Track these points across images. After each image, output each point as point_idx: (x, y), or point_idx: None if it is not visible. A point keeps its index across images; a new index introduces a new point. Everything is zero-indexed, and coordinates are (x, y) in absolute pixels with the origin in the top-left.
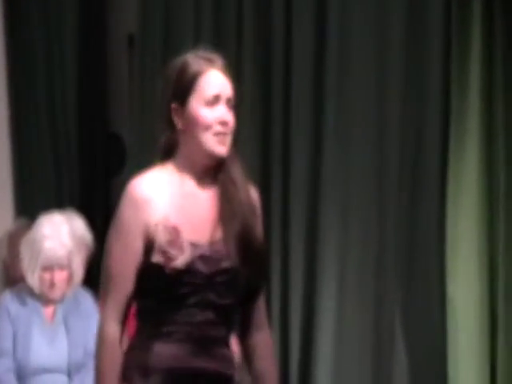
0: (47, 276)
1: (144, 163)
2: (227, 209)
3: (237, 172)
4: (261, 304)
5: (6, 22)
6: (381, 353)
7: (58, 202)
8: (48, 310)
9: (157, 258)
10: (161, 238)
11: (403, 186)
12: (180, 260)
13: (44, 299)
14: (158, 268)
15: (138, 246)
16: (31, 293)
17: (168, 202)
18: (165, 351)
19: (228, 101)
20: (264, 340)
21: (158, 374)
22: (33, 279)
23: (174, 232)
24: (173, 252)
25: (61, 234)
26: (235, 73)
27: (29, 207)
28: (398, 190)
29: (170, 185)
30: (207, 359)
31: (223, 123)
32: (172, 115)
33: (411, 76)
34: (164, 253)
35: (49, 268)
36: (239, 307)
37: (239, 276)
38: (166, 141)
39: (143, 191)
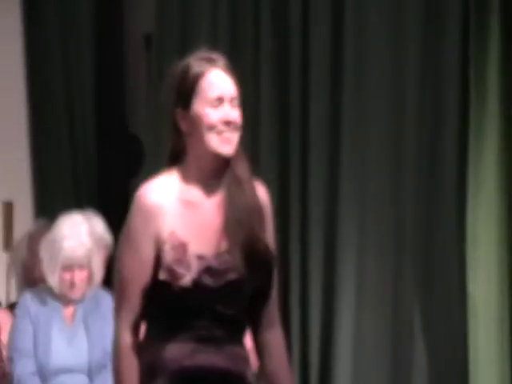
0: (67, 276)
1: (162, 164)
2: (232, 216)
3: (243, 172)
4: (272, 302)
5: (23, 24)
6: (400, 352)
7: (76, 203)
8: (68, 311)
9: (164, 276)
10: (168, 255)
11: (421, 184)
12: (187, 278)
13: (64, 299)
14: (165, 285)
15: (149, 255)
16: (51, 293)
17: (176, 212)
18: (173, 352)
19: (232, 100)
20: (275, 337)
21: (167, 374)
22: (53, 279)
23: (181, 249)
24: (179, 270)
25: (80, 233)
26: (252, 71)
27: (48, 208)
28: (416, 189)
29: (177, 192)
30: (216, 357)
31: (227, 123)
32: (177, 120)
33: (428, 71)
34: (171, 271)
35: (69, 268)
36: (249, 308)
37: (246, 287)
38: (172, 147)
39: (153, 199)
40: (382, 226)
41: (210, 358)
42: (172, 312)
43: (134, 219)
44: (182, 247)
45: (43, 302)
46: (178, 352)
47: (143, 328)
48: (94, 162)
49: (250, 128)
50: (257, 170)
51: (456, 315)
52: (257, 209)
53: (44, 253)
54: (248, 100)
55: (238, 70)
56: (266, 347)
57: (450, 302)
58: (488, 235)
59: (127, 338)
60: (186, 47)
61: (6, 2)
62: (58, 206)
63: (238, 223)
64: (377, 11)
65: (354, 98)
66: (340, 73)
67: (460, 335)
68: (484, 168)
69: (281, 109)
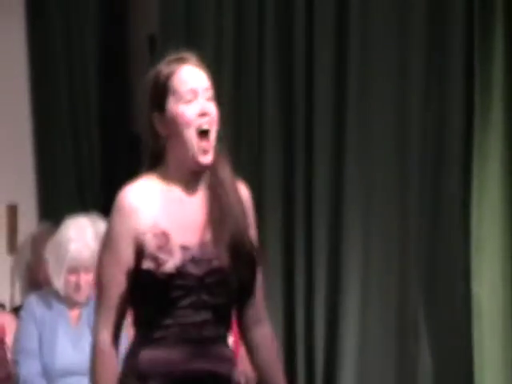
0: (73, 279)
1: None
2: (217, 211)
3: (226, 173)
4: (258, 299)
5: (26, 24)
6: (405, 352)
7: (81, 206)
8: (73, 313)
9: (147, 265)
10: (150, 244)
11: (426, 183)
12: (170, 264)
13: (69, 302)
14: (149, 274)
15: (128, 255)
16: (56, 296)
17: (157, 209)
18: (161, 356)
19: (206, 91)
20: (263, 334)
21: (155, 379)
22: (58, 282)
23: (163, 237)
24: (162, 256)
25: (86, 236)
26: (256, 72)
27: (52, 211)
28: (420, 188)
29: (158, 192)
30: (203, 360)
31: (204, 114)
32: (155, 124)
33: (432, 75)
34: (154, 258)
35: (74, 270)
36: (235, 305)
37: (230, 275)
38: (151, 151)
39: (131, 200)
40: (387, 227)
41: (197, 361)
42: (158, 309)
43: (114, 221)
44: (164, 235)
45: (48, 305)
46: (165, 357)
47: (131, 333)
48: (99, 165)
49: (255, 126)
50: (262, 168)
51: (461, 316)
52: (240, 208)
53: (49, 255)
54: (252, 99)
55: (242, 70)
56: (253, 344)
57: (455, 303)
58: (492, 236)
59: (106, 339)
60: (190, 48)
61: (10, 5)
62: (63, 209)
63: (223, 217)
64: (381, 16)
65: (358, 111)
66: (345, 75)
67: (465, 335)
68: (489, 165)
69: (285, 108)
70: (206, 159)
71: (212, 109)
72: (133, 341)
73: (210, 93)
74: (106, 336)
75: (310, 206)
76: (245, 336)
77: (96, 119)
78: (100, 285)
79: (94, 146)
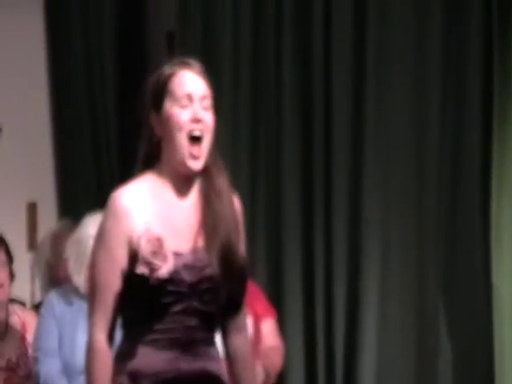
0: None
1: None
2: (210, 218)
3: (220, 181)
4: (243, 309)
5: (45, 20)
6: (425, 342)
7: (100, 203)
8: None
9: (141, 270)
10: (144, 249)
11: (445, 175)
12: (163, 269)
13: None
14: (143, 279)
15: (121, 256)
16: (76, 292)
17: (149, 212)
18: (152, 357)
19: (202, 99)
20: (242, 342)
21: (147, 379)
22: (79, 279)
23: (157, 242)
24: (156, 262)
25: None
26: (274, 66)
27: (72, 208)
28: (439, 179)
29: (151, 194)
30: (194, 359)
31: (196, 120)
32: (151, 124)
33: (451, 75)
34: (148, 264)
35: None
36: (222, 314)
37: (221, 283)
38: (146, 151)
39: (124, 202)
40: (406, 218)
41: (187, 361)
42: (148, 313)
43: (107, 222)
44: (157, 241)
45: (69, 302)
46: (156, 358)
47: (119, 336)
48: (118, 162)
49: (273, 125)
50: (280, 169)
51: (481, 307)
52: (233, 217)
53: (70, 253)
54: (270, 94)
55: (261, 65)
56: (232, 351)
57: (475, 294)
58: None
59: (101, 340)
60: (208, 44)
61: (28, 1)
62: (82, 206)
63: (216, 225)
64: (397, 23)
65: (376, 106)
66: (363, 75)
67: (485, 327)
68: (508, 156)
69: (303, 105)
70: (196, 165)
71: (206, 117)
72: (123, 342)
73: (206, 102)
74: (101, 336)
75: (329, 201)
76: (226, 343)
77: (114, 117)
78: (94, 285)
79: (113, 144)
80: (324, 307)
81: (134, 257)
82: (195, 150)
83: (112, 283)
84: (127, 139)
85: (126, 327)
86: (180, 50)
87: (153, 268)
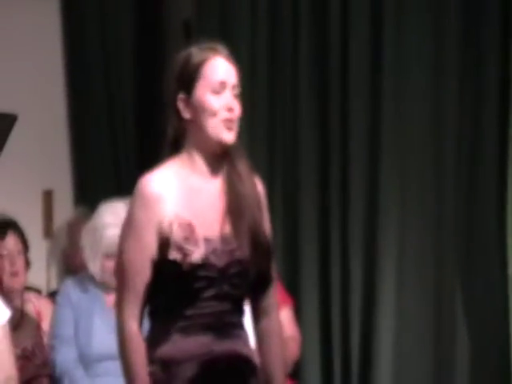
0: (109, 264)
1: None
2: (234, 203)
3: (242, 164)
4: (271, 293)
5: (61, 9)
6: (442, 336)
7: (116, 191)
8: (110, 298)
9: (173, 255)
10: (176, 234)
11: (461, 167)
12: (196, 255)
13: (105, 287)
14: (175, 265)
15: (151, 243)
16: (92, 280)
17: (178, 198)
18: (185, 343)
19: (233, 88)
20: (271, 326)
21: (181, 364)
22: (94, 267)
23: (189, 228)
24: (189, 247)
25: (122, 221)
26: (291, 54)
27: (88, 196)
28: (456, 172)
29: (179, 179)
30: (225, 343)
31: (230, 109)
32: (179, 106)
33: (468, 63)
34: (181, 249)
35: (111, 256)
36: (251, 298)
37: (250, 266)
38: (173, 133)
39: (153, 188)
40: (423, 210)
41: (219, 344)
42: (180, 299)
43: (136, 209)
44: (189, 227)
45: (84, 290)
46: (188, 343)
47: (146, 325)
48: (134, 150)
49: (290, 114)
50: (297, 176)
51: (497, 297)
52: (256, 198)
53: (85, 241)
54: (287, 82)
55: (276, 53)
56: (261, 335)
57: (492, 285)
58: None
59: (134, 328)
60: (225, 33)
61: None
62: (98, 194)
63: (241, 208)
64: (415, 19)
65: (393, 100)
66: (380, 73)
67: (502, 317)
68: None
69: (320, 95)
70: (229, 136)
71: (237, 106)
72: (151, 330)
73: (236, 90)
74: (134, 324)
75: (345, 189)
76: (255, 326)
77: (131, 105)
78: (124, 272)
79: (130, 131)
80: (340, 296)
81: (164, 243)
82: (230, 124)
83: (142, 271)
84: (144, 127)
85: (154, 315)
86: (196, 39)
87: (185, 253)
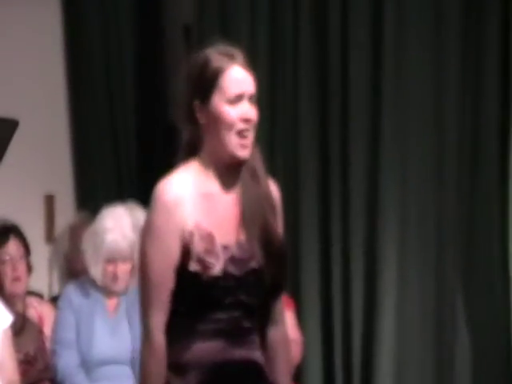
0: (110, 268)
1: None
2: (248, 209)
3: (258, 169)
4: (279, 301)
5: (63, 16)
6: (443, 333)
7: (118, 195)
8: (111, 302)
9: (194, 267)
10: (197, 246)
11: (462, 167)
12: (217, 268)
13: (107, 291)
14: (196, 276)
15: (174, 249)
16: (94, 285)
17: (196, 205)
18: (198, 349)
19: (251, 97)
20: (278, 335)
21: (194, 370)
22: (96, 272)
23: (209, 239)
24: (210, 260)
25: (123, 226)
26: (291, 61)
27: (89, 200)
28: (457, 173)
29: (195, 185)
30: (239, 349)
31: (246, 120)
32: (195, 112)
33: (469, 54)
34: (201, 261)
35: (112, 260)
36: (262, 306)
37: (265, 275)
38: (189, 138)
39: (173, 195)
40: (423, 210)
41: (232, 349)
42: (197, 306)
43: (156, 217)
44: (209, 237)
45: (86, 294)
46: (203, 349)
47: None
48: (136, 154)
49: (290, 113)
50: (297, 167)
51: (498, 299)
52: (270, 202)
53: (87, 245)
54: (287, 86)
55: (277, 60)
56: (271, 344)
57: (494, 285)
58: None
59: (160, 338)
60: (225, 37)
61: None
62: (100, 199)
63: (254, 215)
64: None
65: (393, 108)
66: (380, 66)
67: (503, 316)
68: None
69: (320, 94)
70: (244, 153)
71: (254, 114)
72: (169, 334)
73: (254, 98)
74: (160, 333)
75: (346, 197)
76: (262, 333)
77: (132, 109)
78: (149, 280)
79: (131, 135)
80: (341, 298)
81: (185, 251)
82: (243, 141)
83: (166, 279)
84: (145, 131)
85: (170, 320)
86: (196, 43)
87: (206, 266)
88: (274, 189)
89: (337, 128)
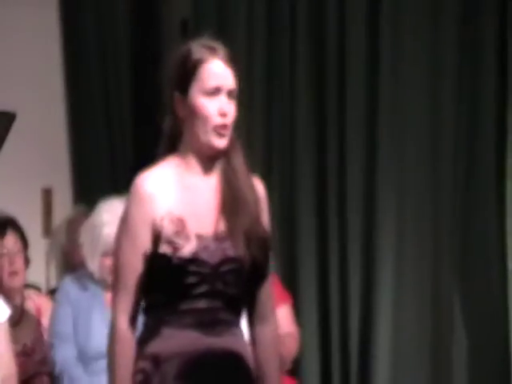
0: (108, 262)
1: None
2: (230, 200)
3: (239, 163)
4: (266, 297)
5: (60, 10)
6: (440, 329)
7: (115, 189)
8: (109, 295)
9: (164, 249)
10: (167, 229)
11: (459, 161)
12: (186, 249)
13: (104, 284)
14: (165, 258)
15: (145, 240)
16: (91, 278)
17: (173, 196)
18: (175, 338)
19: (230, 92)
20: (267, 332)
21: (170, 360)
22: (93, 265)
23: (180, 223)
24: (179, 241)
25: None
26: (288, 55)
27: (87, 194)
28: (453, 165)
29: (174, 177)
30: (216, 340)
31: (223, 114)
32: (175, 104)
33: (466, 55)
34: (171, 243)
35: (109, 254)
36: (246, 298)
37: (244, 265)
38: (169, 131)
39: (148, 187)
40: (420, 209)
41: (209, 339)
42: (172, 295)
43: (131, 207)
44: (180, 222)
45: (84, 287)
46: (178, 338)
47: (140, 322)
48: (132, 148)
49: (287, 112)
50: (294, 165)
51: (496, 293)
52: (252, 195)
53: (84, 238)
54: (284, 82)
55: (274, 55)
56: (255, 340)
57: (491, 280)
58: None
59: (124, 323)
60: (222, 33)
61: None
62: (97, 193)
63: (237, 206)
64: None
65: (390, 110)
66: (377, 67)
67: (501, 313)
68: None
69: (317, 96)
70: (221, 142)
71: (231, 110)
72: (145, 327)
73: (233, 94)
74: (124, 321)
75: (343, 188)
76: (250, 330)
77: (129, 104)
78: (118, 270)
79: (127, 130)
80: (339, 293)
81: (157, 239)
82: (221, 130)
83: (134, 266)
84: (141, 125)
85: (148, 312)
86: (194, 38)
87: (175, 247)
88: (257, 184)
89: (335, 126)
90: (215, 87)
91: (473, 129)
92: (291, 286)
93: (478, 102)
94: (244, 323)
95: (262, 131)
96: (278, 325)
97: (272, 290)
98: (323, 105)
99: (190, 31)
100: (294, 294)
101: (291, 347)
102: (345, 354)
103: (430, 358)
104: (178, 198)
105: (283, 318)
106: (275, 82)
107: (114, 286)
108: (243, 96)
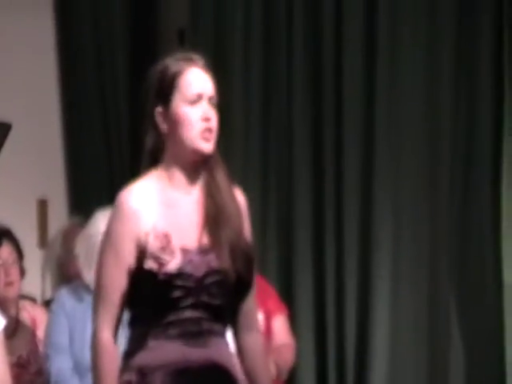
0: None
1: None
2: (213, 213)
3: (220, 175)
4: (251, 306)
5: (56, 19)
6: (437, 340)
7: (110, 200)
8: None
9: (149, 265)
10: (152, 245)
11: (456, 171)
12: (172, 264)
13: None
14: (151, 274)
15: (128, 254)
16: (87, 289)
17: (156, 211)
18: (161, 350)
19: (210, 99)
20: (253, 341)
21: (155, 372)
22: (89, 275)
23: (165, 238)
24: (165, 257)
25: None
26: (285, 65)
27: (82, 205)
28: (450, 168)
29: (158, 192)
30: (202, 351)
31: (207, 119)
32: (156, 119)
33: (463, 57)
34: (156, 258)
35: None
36: (231, 308)
37: (229, 277)
38: (151, 146)
39: (132, 203)
40: (417, 217)
41: (194, 350)
42: (157, 308)
43: (116, 223)
44: (165, 237)
45: (79, 298)
46: (164, 350)
47: (125, 335)
48: (128, 158)
49: (284, 119)
50: (291, 171)
51: (492, 301)
52: (234, 207)
53: (80, 249)
54: (281, 90)
55: (271, 63)
56: (243, 350)
57: (486, 288)
58: None
59: (107, 337)
60: (219, 42)
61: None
62: (92, 203)
63: (219, 219)
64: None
65: (388, 94)
66: (374, 66)
67: (496, 322)
68: None
69: (314, 103)
70: (207, 146)
71: (214, 116)
72: (130, 340)
73: (213, 100)
74: (107, 333)
75: (340, 193)
76: (236, 340)
77: (125, 113)
78: (100, 285)
79: (124, 139)
80: (335, 304)
81: (141, 254)
82: (207, 134)
83: (118, 281)
84: (138, 136)
85: (133, 324)
86: (191, 47)
87: (161, 263)
88: (239, 194)
89: (331, 129)
90: (197, 94)
91: (469, 131)
92: (287, 295)
93: (474, 103)
94: (229, 335)
95: (259, 135)
96: (262, 334)
97: (255, 300)
98: (320, 109)
99: (187, 41)
100: (290, 303)
101: (287, 357)
102: (341, 364)
103: (427, 365)
104: (161, 212)
105: (279, 328)
106: (272, 91)
107: (96, 300)
108: (240, 102)
